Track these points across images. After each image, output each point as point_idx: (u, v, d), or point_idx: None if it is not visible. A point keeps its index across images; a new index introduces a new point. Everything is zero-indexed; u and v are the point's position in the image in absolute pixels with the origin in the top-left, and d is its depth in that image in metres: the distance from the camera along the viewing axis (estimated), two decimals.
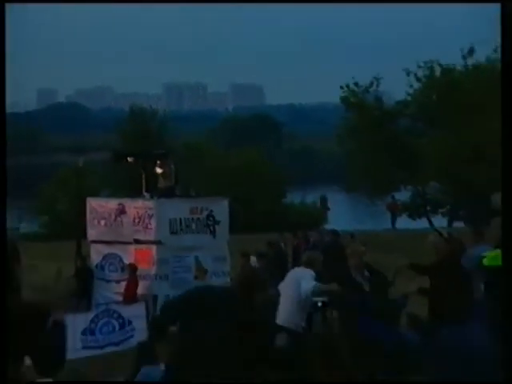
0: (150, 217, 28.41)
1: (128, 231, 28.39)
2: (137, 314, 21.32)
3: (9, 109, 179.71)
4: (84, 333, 22.14)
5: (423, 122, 66.33)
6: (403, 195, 66.62)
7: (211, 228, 28.04)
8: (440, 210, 66.90)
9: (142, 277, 25.22)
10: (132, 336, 20.77)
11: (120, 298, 25.83)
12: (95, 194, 33.20)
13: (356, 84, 66.38)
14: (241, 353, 10.56)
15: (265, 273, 23.77)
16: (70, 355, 20.29)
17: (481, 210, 42.54)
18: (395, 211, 63.77)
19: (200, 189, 36.40)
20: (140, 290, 24.43)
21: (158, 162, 29.10)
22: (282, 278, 20.75)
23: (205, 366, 10.52)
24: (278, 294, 18.02)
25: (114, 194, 32.87)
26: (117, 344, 22.12)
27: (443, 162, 59.35)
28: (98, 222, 28.93)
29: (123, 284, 26.27)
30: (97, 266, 28.10)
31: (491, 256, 14.33)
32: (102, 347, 21.72)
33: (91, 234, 28.60)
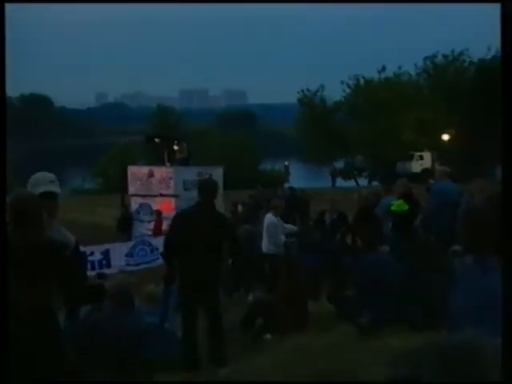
0: (170, 178, 30.05)
1: (155, 188, 30.26)
2: (161, 243, 22.00)
3: (77, 107, 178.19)
4: (127, 255, 22.85)
5: (352, 116, 71.86)
6: (339, 164, 70.97)
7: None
8: (363, 174, 72.18)
9: (165, 218, 25.61)
10: (158, 258, 21.47)
11: (150, 233, 26.39)
12: (134, 164, 33.42)
13: (308, 89, 72.90)
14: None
15: (247, 215, 24.33)
16: (118, 269, 22.14)
17: (390, 174, 43.22)
18: (334, 175, 62.25)
19: (204, 160, 36.52)
20: (164, 227, 24.70)
21: (176, 141, 30.84)
22: (258, 219, 21.64)
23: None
24: (256, 229, 18.31)
25: (146, 163, 33.00)
26: (148, 263, 23.73)
27: (366, 142, 65.43)
28: (136, 182, 30.02)
29: (152, 223, 27.17)
30: (135, 211, 28.67)
31: (396, 204, 14.44)
32: (138, 264, 22.87)
33: (131, 190, 30.05)
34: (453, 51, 70.83)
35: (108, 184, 43.26)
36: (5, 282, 4.85)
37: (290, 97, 78.01)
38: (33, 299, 5.39)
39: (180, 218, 10.66)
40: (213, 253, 9.71)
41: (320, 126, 68.92)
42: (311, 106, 71.88)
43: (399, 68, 70.51)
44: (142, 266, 23.87)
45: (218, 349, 9.72)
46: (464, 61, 70.68)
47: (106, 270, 19.19)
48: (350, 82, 70.02)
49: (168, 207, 28.06)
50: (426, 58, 71.80)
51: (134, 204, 30.06)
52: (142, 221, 29.08)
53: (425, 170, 56.04)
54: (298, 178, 67.28)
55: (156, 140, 34.11)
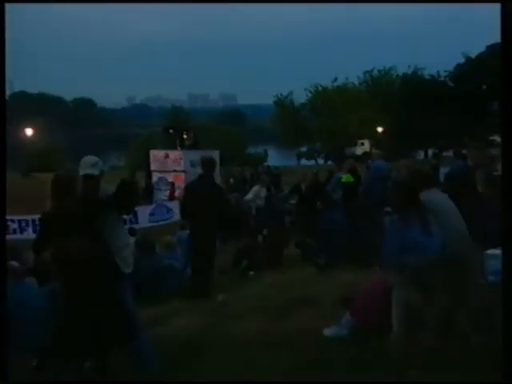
0: (181, 159, 30.09)
1: (170, 166, 30.37)
2: (175, 206, 22.15)
3: (112, 106, 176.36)
4: (150, 214, 22.94)
5: (313, 114, 70.19)
6: (304, 149, 72.63)
7: None
8: (321, 156, 71.02)
9: (177, 187, 25.82)
10: (172, 216, 21.57)
11: (166, 198, 26.42)
12: (154, 148, 33.34)
13: (281, 94, 72.55)
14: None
15: (236, 186, 24.36)
16: (143, 225, 21.82)
17: (340, 156, 43.16)
18: (300, 157, 63.27)
19: (205, 145, 36.29)
20: (176, 194, 24.88)
21: (185, 132, 30.81)
22: (244, 190, 21.30)
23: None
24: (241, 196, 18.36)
25: (163, 148, 32.66)
26: (165, 220, 24.18)
27: (323, 133, 64.77)
28: (156, 162, 30.31)
29: (168, 191, 27.23)
30: (155, 182, 28.82)
31: (345, 177, 14.35)
32: (158, 221, 22.88)
33: (152, 167, 30.86)
34: (384, 67, 71.14)
35: (136, 163, 42.96)
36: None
37: (269, 99, 77.26)
38: (73, 250, 5.17)
39: (189, 187, 10.86)
40: (212, 212, 9.75)
41: (289, 122, 68.29)
42: (283, 107, 71.14)
43: (346, 79, 70.10)
44: (161, 222, 23.89)
45: (211, 275, 9.94)
46: (392, 75, 70.58)
47: (135, 226, 19.09)
48: (311, 89, 69.36)
49: (179, 179, 28.07)
50: (365, 72, 71.75)
51: (155, 177, 30.02)
52: (160, 189, 29.09)
53: (365, 153, 56.35)
54: (274, 158, 67.33)
55: (170, 131, 33.93)
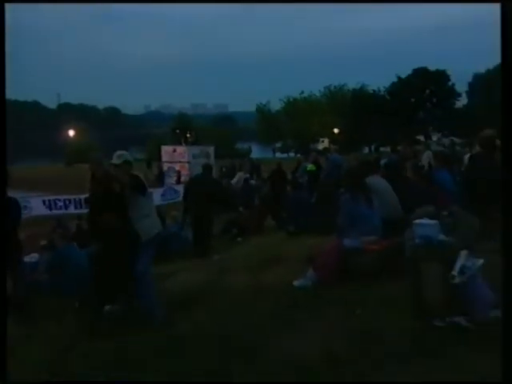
0: (185, 153, 29.33)
1: (177, 157, 29.86)
2: (180, 188, 21.97)
3: (132, 113, 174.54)
4: (162, 195, 22.93)
5: (286, 118, 68.30)
6: (278, 144, 70.94)
7: (208, 157, 28.14)
8: (292, 150, 68.28)
9: (182, 175, 25.90)
10: (179, 196, 21.30)
11: (174, 182, 26.24)
12: (165, 144, 32.98)
13: (261, 103, 72.55)
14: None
15: (227, 173, 24.06)
16: (156, 203, 20.91)
17: (306, 150, 43.01)
18: (275, 151, 69.02)
19: (204, 142, 36.06)
20: (182, 179, 24.71)
21: (188, 132, 30.42)
22: (233, 176, 20.24)
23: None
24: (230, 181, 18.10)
25: (171, 144, 32.51)
26: (173, 199, 23.56)
27: (293, 133, 65.14)
28: (166, 154, 30.26)
29: (175, 178, 26.81)
30: (165, 171, 28.38)
31: (309, 166, 14.45)
32: (168, 200, 22.53)
33: (163, 159, 30.40)
34: (339, 84, 70.88)
35: (151, 156, 42.70)
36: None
37: (252, 107, 76.79)
38: (108, 220, 5.23)
39: (193, 179, 11.49)
40: (209, 195, 9.86)
41: (267, 124, 68.04)
42: (263, 113, 70.83)
43: (311, 92, 69.81)
44: (170, 201, 23.39)
45: (208, 240, 10.00)
46: (345, 90, 70.09)
47: None
48: (284, 99, 69.22)
49: (184, 168, 28.10)
50: (325, 87, 71.33)
51: (165, 167, 29.91)
52: (169, 176, 28.97)
53: (325, 148, 55.92)
54: (255, 152, 67.32)
55: (177, 131, 34.05)
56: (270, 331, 4.46)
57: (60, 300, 6.37)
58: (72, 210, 20.94)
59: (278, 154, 67.81)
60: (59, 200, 22.19)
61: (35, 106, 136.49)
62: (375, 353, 3.74)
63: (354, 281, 5.47)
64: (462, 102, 65.51)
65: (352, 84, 70.88)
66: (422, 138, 52.90)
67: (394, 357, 3.65)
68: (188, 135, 32.71)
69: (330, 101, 67.77)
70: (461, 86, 64.85)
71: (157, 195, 23.41)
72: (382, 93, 67.59)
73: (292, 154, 66.85)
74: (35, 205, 21.32)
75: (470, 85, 64.52)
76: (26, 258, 7.51)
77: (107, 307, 5.45)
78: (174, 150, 30.14)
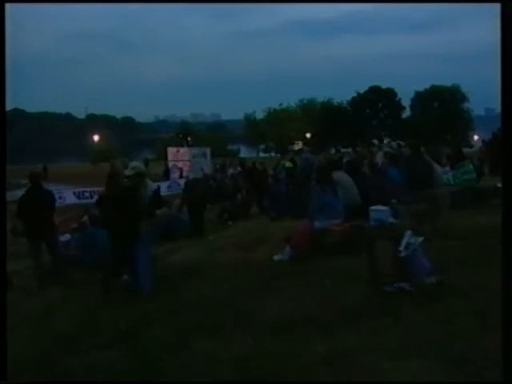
0: (187, 153, 28.54)
1: (180, 157, 28.66)
2: (182, 182, 21.44)
3: (143, 121, 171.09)
4: (167, 187, 22.42)
5: (268, 125, 64.90)
6: (262, 146, 67.59)
7: (205, 156, 27.68)
8: (273, 150, 65.15)
9: (184, 170, 25.04)
10: (181, 188, 20.75)
11: (178, 177, 25.70)
12: (170, 146, 32.22)
13: (247, 113, 71.17)
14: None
15: (220, 170, 23.64)
16: (163, 194, 17.59)
17: (284, 150, 42.50)
18: (259, 151, 66.50)
19: (202, 145, 35.61)
20: (184, 175, 24.19)
21: (189, 136, 30.09)
22: (225, 171, 20.68)
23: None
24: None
25: (176, 146, 31.93)
26: (177, 190, 22.12)
27: (274, 137, 62.61)
28: (171, 155, 29.65)
29: (178, 173, 26.13)
30: (171, 168, 27.83)
31: (287, 164, 14.42)
32: (172, 191, 22.21)
33: (169, 158, 29.39)
34: (310, 97, 69.75)
35: (159, 156, 42.06)
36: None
37: (240, 116, 75.25)
38: (122, 219, 5.03)
39: (190, 180, 11.67)
40: (203, 192, 10.41)
41: (253, 130, 66.54)
42: (249, 121, 69.67)
43: (288, 103, 68.65)
44: (174, 192, 23.13)
45: (201, 224, 9.95)
46: (315, 102, 68.97)
47: None
48: (267, 110, 67.75)
49: (185, 166, 27.36)
50: (299, 100, 69.94)
51: (170, 165, 29.30)
52: (173, 172, 28.43)
53: (299, 149, 53.88)
54: (243, 153, 66.57)
55: (180, 136, 33.41)
56: (255, 296, 4.44)
57: (87, 271, 6.39)
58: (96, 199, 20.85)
59: (262, 154, 67.46)
60: (86, 191, 22.28)
61: (68, 116, 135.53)
62: (339, 312, 3.76)
63: (323, 255, 5.45)
64: (406, 113, 66.31)
65: (321, 98, 70.18)
66: (376, 141, 53.25)
67: (354, 314, 3.69)
68: (189, 139, 32.31)
69: (304, 111, 66.89)
70: (405, 101, 65.80)
71: (163, 187, 23.05)
72: (345, 105, 67.34)
73: (273, 154, 66.53)
74: (67, 195, 21.50)
75: (412, 100, 65.34)
76: (61, 238, 7.49)
77: (125, 276, 5.40)
78: (178, 151, 29.61)
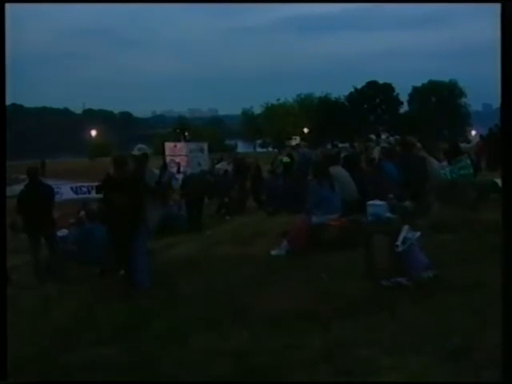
0: (184, 148, 27.82)
1: (177, 152, 27.84)
2: (180, 176, 21.16)
3: (141, 116, 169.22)
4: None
5: (265, 121, 64.65)
6: (259, 141, 67.66)
7: (202, 151, 27.55)
8: (271, 146, 64.23)
9: (182, 165, 24.80)
10: (179, 183, 20.57)
11: (175, 171, 25.36)
12: (168, 141, 32.05)
13: (245, 108, 70.91)
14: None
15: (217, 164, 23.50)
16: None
17: (282, 145, 42.63)
18: (256, 146, 66.54)
19: (199, 140, 35.43)
20: (181, 170, 24.10)
21: (186, 131, 29.65)
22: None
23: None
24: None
25: (173, 141, 31.79)
26: (174, 185, 21.07)
27: (272, 132, 62.38)
28: (169, 149, 28.82)
29: (175, 168, 25.74)
30: (168, 162, 27.55)
31: (284, 159, 13.84)
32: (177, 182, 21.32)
33: (166, 153, 28.69)
34: (308, 93, 69.57)
35: (157, 150, 42.01)
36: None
37: (238, 111, 74.68)
38: (128, 204, 4.98)
39: (189, 177, 11.96)
40: (200, 187, 10.26)
41: (250, 125, 66.65)
42: (247, 116, 69.61)
43: (286, 99, 68.06)
44: (179, 183, 23.07)
45: (199, 219, 9.97)
46: (312, 97, 68.78)
47: None
48: (264, 105, 67.23)
49: (183, 160, 27.13)
50: (297, 95, 69.73)
51: (168, 159, 29.05)
52: (171, 166, 28.15)
53: (297, 144, 55.20)
54: (240, 148, 66.19)
55: (177, 131, 33.20)
56: (252, 290, 4.44)
57: (85, 267, 6.40)
58: (93, 194, 20.66)
59: (259, 149, 67.01)
60: (84, 186, 22.14)
61: (65, 111, 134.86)
62: (336, 306, 3.77)
63: (320, 250, 5.44)
64: (404, 108, 65.99)
65: (318, 93, 70.06)
66: (373, 136, 53.21)
67: (351, 309, 3.69)
68: (186, 134, 32.06)
69: (301, 106, 66.78)
70: (403, 96, 65.41)
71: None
72: (342, 100, 67.17)
73: (270, 149, 66.43)
74: (65, 190, 21.30)
75: (410, 95, 65.26)
76: (59, 233, 7.47)
77: (121, 271, 5.36)
78: (175, 146, 29.29)
